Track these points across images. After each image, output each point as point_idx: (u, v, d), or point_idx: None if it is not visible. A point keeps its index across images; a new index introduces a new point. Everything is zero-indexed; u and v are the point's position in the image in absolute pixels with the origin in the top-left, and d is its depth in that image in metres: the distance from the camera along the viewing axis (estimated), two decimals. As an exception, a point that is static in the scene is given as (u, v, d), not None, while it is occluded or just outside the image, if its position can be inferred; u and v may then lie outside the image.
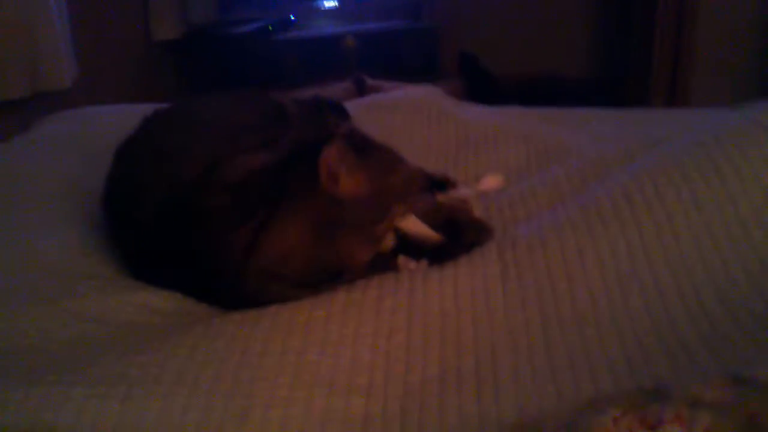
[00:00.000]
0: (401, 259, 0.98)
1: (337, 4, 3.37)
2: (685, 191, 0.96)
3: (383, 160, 0.93)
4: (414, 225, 0.97)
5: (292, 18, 3.40)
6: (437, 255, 0.97)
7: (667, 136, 1.20)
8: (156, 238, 0.94)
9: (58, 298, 0.89)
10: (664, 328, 0.80)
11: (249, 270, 0.88)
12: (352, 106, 1.62)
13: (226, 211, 0.90)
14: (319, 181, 0.86)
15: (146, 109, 1.17)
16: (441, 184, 1.20)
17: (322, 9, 3.39)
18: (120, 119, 1.24)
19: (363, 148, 0.91)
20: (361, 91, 2.64)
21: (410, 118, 1.63)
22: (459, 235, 1.00)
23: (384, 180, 0.91)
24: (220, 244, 0.89)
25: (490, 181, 1.09)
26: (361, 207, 0.88)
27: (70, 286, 0.93)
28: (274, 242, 0.87)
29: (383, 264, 0.97)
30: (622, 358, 0.76)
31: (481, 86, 3.37)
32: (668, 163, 1.01)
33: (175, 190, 0.94)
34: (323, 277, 0.91)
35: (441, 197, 1.12)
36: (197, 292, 0.95)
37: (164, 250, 0.94)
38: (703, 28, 3.24)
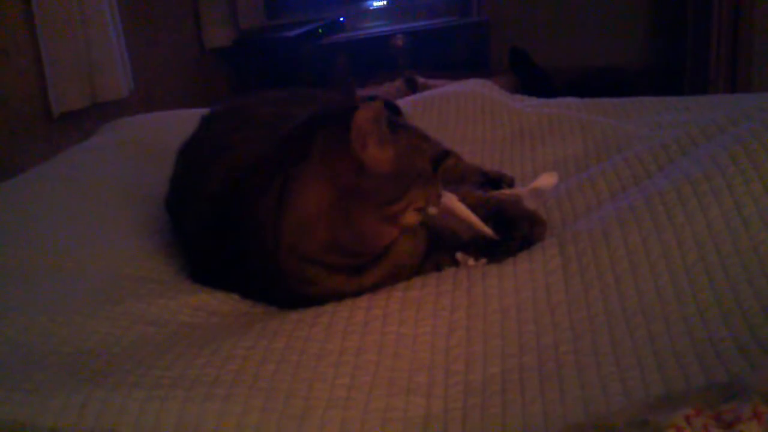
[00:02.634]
0: (460, 256, 0.96)
1: (386, 3, 3.36)
2: (754, 177, 0.92)
3: (411, 143, 0.90)
4: (462, 212, 0.95)
5: (342, 19, 3.41)
6: (494, 252, 0.95)
7: (731, 121, 1.15)
8: (211, 230, 0.95)
9: (119, 301, 0.90)
10: (736, 321, 0.77)
11: (281, 245, 0.85)
12: (404, 103, 1.61)
13: (255, 189, 0.88)
14: (344, 143, 0.83)
15: (200, 113, 1.18)
16: (496, 181, 1.18)
17: (371, 9, 3.39)
18: (175, 124, 1.26)
19: (394, 125, 0.89)
20: (413, 89, 2.63)
21: (463, 112, 1.61)
22: (511, 229, 0.97)
23: (408, 161, 0.87)
24: (253, 219, 0.88)
25: (545, 179, 1.07)
26: (379, 182, 0.85)
27: (131, 290, 0.95)
28: (295, 205, 0.85)
29: (436, 267, 0.96)
30: (692, 354, 0.73)
31: (533, 80, 3.32)
32: (736, 148, 0.97)
33: (226, 183, 0.94)
34: (353, 258, 0.88)
35: (493, 193, 1.10)
36: (249, 287, 0.94)
37: (219, 241, 0.94)
38: (761, 11, 3.13)
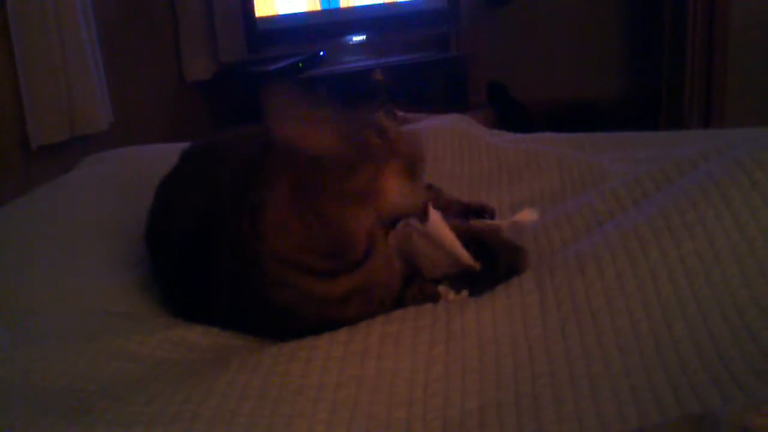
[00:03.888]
0: (442, 289, 0.97)
1: (365, 38, 3.40)
2: (725, 212, 0.94)
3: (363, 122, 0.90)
4: (447, 236, 0.96)
5: (322, 54, 3.44)
6: (478, 283, 0.96)
7: (703, 156, 1.17)
8: (190, 258, 0.95)
9: (97, 337, 0.90)
10: (709, 354, 0.78)
11: (263, 254, 0.86)
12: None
13: (231, 205, 0.89)
14: (276, 137, 0.85)
15: (180, 147, 1.19)
16: (478, 212, 1.19)
17: (351, 44, 3.43)
18: (154, 158, 1.26)
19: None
20: (392, 123, 2.65)
21: (441, 147, 1.63)
22: (494, 259, 0.98)
23: (354, 139, 0.87)
24: (234, 236, 0.88)
25: (526, 215, 1.08)
26: (330, 161, 0.84)
27: (108, 325, 0.94)
28: (269, 209, 0.86)
29: (420, 293, 0.96)
30: (667, 387, 0.74)
31: (511, 115, 3.37)
32: (707, 184, 0.99)
33: (205, 210, 0.95)
34: (337, 259, 0.88)
35: (474, 222, 1.11)
36: (226, 311, 0.94)
37: (198, 270, 0.94)
38: (734, 46, 3.21)
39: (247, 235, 0.87)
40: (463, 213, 1.17)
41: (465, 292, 0.97)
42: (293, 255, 0.87)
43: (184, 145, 1.20)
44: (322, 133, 0.85)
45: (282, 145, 0.85)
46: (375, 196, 0.87)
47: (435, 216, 0.96)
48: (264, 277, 0.87)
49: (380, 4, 3.40)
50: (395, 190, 0.87)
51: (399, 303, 0.95)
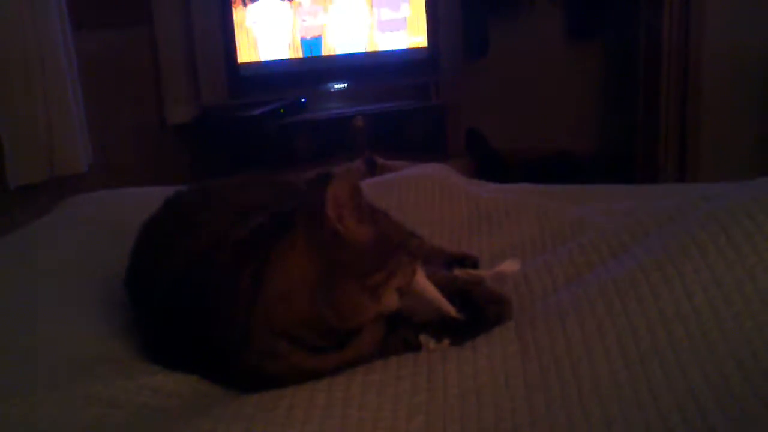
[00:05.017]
0: (423, 338, 0.97)
1: (346, 85, 3.44)
2: (702, 267, 0.95)
3: (385, 218, 0.94)
4: (430, 290, 0.97)
5: (303, 100, 3.47)
6: (462, 334, 0.96)
7: (680, 210, 1.20)
8: (172, 310, 0.95)
9: (75, 382, 0.89)
10: (688, 407, 0.79)
11: (255, 321, 0.86)
12: (365, 186, 1.64)
13: (227, 265, 0.90)
14: (323, 218, 0.85)
15: (162, 191, 1.19)
16: (460, 261, 1.20)
17: (332, 91, 3.47)
18: (136, 202, 1.26)
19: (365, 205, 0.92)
20: (372, 171, 2.67)
21: (422, 195, 1.64)
22: (478, 310, 0.99)
23: (385, 231, 0.90)
24: (224, 298, 0.88)
25: (508, 265, 1.09)
26: (361, 251, 0.87)
27: (87, 370, 0.93)
28: (277, 276, 0.86)
29: (403, 343, 0.96)
30: (647, 439, 0.75)
31: (489, 165, 3.41)
32: (685, 239, 1.01)
33: (189, 261, 0.95)
34: (329, 336, 0.89)
35: (458, 272, 1.12)
36: (209, 367, 0.93)
37: (180, 322, 0.94)
38: (707, 101, 3.29)
39: (243, 297, 0.87)
40: (446, 262, 1.17)
41: (446, 341, 0.97)
42: (289, 327, 0.87)
43: (165, 189, 1.20)
44: (358, 217, 0.87)
45: (316, 216, 0.86)
46: (387, 293, 0.90)
47: (420, 271, 0.97)
48: (251, 346, 0.87)
49: (362, 53, 3.45)
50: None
51: (380, 353, 0.95)
